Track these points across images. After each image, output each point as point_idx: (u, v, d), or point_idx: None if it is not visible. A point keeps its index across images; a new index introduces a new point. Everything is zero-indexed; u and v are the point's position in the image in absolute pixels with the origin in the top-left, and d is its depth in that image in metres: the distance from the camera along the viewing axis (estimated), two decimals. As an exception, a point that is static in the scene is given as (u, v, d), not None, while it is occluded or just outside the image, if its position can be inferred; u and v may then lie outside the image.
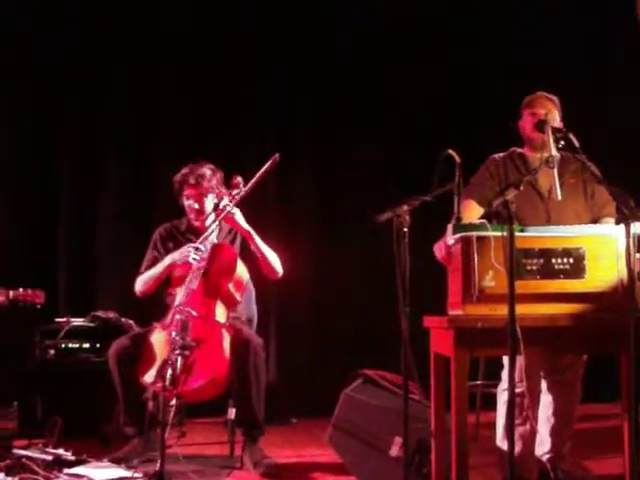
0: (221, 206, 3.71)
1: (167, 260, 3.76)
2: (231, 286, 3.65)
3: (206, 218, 3.83)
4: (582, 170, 3.10)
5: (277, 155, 3.64)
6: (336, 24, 5.75)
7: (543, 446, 3.21)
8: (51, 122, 5.49)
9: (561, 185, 2.94)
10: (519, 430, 3.02)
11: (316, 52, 5.70)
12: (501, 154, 3.35)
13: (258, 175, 3.65)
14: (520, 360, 3.04)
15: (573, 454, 3.34)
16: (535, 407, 3.08)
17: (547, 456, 3.20)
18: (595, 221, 3.23)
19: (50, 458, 3.25)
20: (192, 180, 3.79)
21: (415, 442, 3.03)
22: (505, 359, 3.20)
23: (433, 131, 5.39)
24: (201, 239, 3.68)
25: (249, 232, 3.72)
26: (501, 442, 3.10)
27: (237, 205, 3.73)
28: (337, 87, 5.70)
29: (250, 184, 3.68)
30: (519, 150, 3.36)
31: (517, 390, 3.02)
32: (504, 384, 3.15)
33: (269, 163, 3.64)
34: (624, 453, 2.57)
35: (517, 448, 2.96)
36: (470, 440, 2.52)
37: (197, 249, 3.66)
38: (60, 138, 5.53)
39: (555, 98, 3.27)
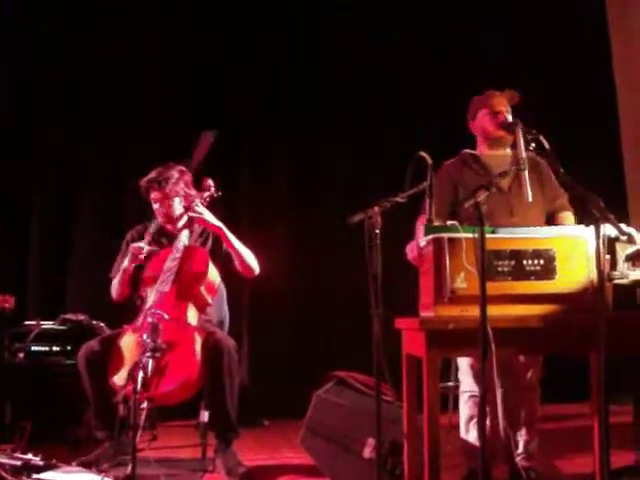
0: (189, 206, 3.69)
1: (120, 270, 3.75)
2: (203, 289, 3.64)
3: (177, 220, 3.81)
4: (536, 164, 3.17)
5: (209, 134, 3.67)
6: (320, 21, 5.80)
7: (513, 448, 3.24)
8: (28, 124, 5.45)
9: (518, 179, 3.02)
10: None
11: (295, 52, 5.72)
12: (452, 160, 3.36)
13: (197, 156, 3.68)
14: (469, 361, 3.14)
15: (543, 453, 3.37)
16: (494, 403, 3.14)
17: (518, 457, 3.22)
18: (551, 212, 3.30)
19: (18, 463, 3.18)
20: (157, 183, 3.76)
21: (388, 443, 3.04)
22: (459, 360, 3.27)
23: (406, 133, 5.42)
24: (144, 240, 3.68)
25: (220, 228, 3.70)
26: (464, 434, 3.22)
27: (208, 206, 3.72)
28: (314, 85, 5.72)
29: (193, 165, 3.70)
30: (469, 151, 3.38)
31: (475, 392, 3.15)
32: (464, 386, 3.25)
33: (202, 142, 3.67)
34: (594, 452, 2.59)
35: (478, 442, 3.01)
36: (442, 441, 2.52)
37: (140, 248, 3.65)
38: (34, 138, 5.49)
39: (505, 93, 3.31)
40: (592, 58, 5.83)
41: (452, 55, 5.76)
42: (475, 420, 3.18)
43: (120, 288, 3.78)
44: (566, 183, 2.83)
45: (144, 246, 3.65)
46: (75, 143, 5.53)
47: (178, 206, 3.80)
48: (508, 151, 3.34)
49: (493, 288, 2.42)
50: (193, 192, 3.77)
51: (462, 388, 3.30)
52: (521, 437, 3.22)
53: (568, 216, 3.33)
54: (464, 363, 3.27)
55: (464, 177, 3.27)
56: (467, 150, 3.40)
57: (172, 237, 3.79)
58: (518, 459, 3.20)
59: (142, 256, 3.65)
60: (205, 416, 3.58)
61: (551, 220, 3.34)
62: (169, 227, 3.84)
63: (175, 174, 3.79)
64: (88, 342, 3.61)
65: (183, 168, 3.85)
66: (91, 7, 5.51)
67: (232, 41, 5.63)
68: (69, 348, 4.38)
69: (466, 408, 3.24)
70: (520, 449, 3.22)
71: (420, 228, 3.10)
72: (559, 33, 5.75)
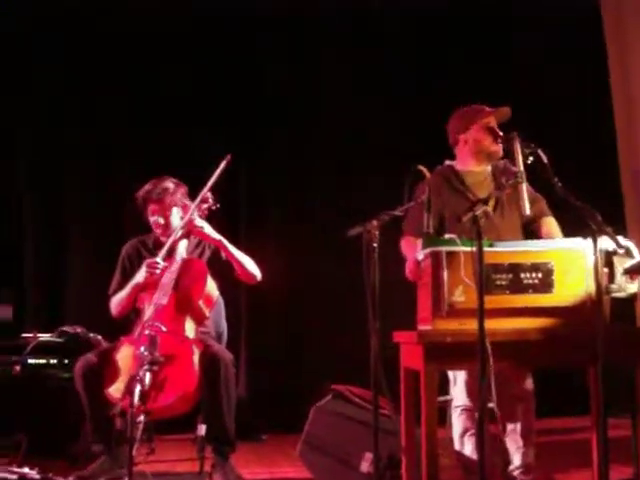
0: (189, 219, 3.68)
1: (131, 284, 3.72)
2: (201, 302, 3.62)
3: (174, 231, 3.80)
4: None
5: (229, 156, 3.68)
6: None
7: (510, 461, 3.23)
8: (13, 124, 5.45)
9: (500, 199, 3.05)
10: (474, 439, 3.11)
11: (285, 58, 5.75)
12: (432, 175, 3.17)
13: (213, 178, 3.69)
14: (464, 376, 3.14)
15: (542, 467, 3.36)
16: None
17: (516, 471, 3.20)
18: (530, 218, 3.25)
19: (15, 477, 3.18)
20: (155, 195, 3.76)
21: (386, 457, 3.03)
22: (450, 374, 3.26)
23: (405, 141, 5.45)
24: (161, 253, 3.66)
25: (220, 241, 3.70)
26: (459, 448, 3.22)
27: (206, 218, 3.73)
28: (309, 88, 5.76)
29: (206, 188, 3.70)
30: (450, 164, 3.39)
31: (468, 405, 3.16)
32: (457, 400, 3.24)
33: (223, 164, 3.68)
34: (593, 466, 2.59)
35: (474, 455, 3.01)
36: (440, 455, 2.52)
37: (156, 263, 3.63)
38: (23, 147, 5.49)
39: (500, 110, 3.31)
40: (589, 71, 5.85)
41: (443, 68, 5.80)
42: (469, 433, 3.17)
43: (125, 303, 3.74)
44: (564, 197, 2.83)
45: (160, 261, 3.63)
46: (71, 149, 5.54)
47: (176, 216, 3.80)
48: (488, 168, 3.35)
49: (491, 301, 2.42)
50: (189, 203, 3.77)
51: (454, 402, 3.29)
52: (518, 449, 3.21)
53: (551, 221, 3.31)
54: (457, 377, 3.27)
55: (448, 200, 3.25)
56: (448, 163, 3.40)
57: (169, 249, 3.78)
58: (516, 473, 3.19)
59: (158, 271, 3.62)
60: (202, 430, 3.56)
61: (533, 226, 3.32)
62: (165, 239, 3.82)
63: (171, 185, 3.80)
64: (86, 355, 3.60)
65: (176, 180, 3.85)
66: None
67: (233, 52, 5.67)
68: (66, 361, 4.35)
69: (459, 421, 3.23)
70: (517, 462, 3.20)
71: (410, 248, 3.10)
72: (556, 47, 5.80)
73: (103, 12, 5.50)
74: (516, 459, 3.20)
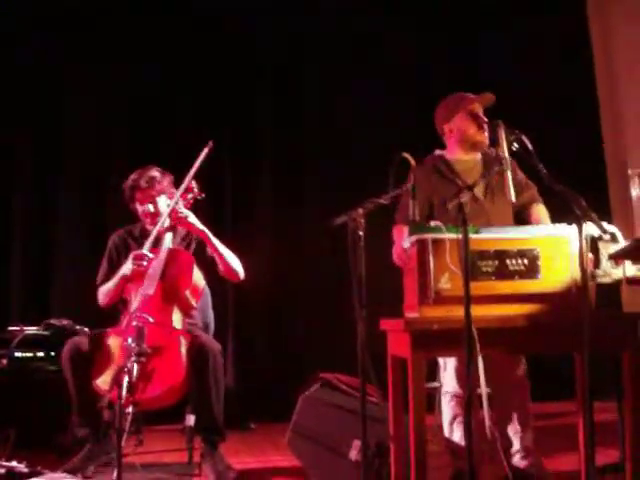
0: (173, 208, 3.66)
1: (118, 275, 3.71)
2: (188, 292, 3.62)
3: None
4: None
5: (211, 143, 3.69)
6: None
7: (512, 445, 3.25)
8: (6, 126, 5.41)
9: (490, 184, 3.04)
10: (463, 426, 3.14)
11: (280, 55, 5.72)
12: (422, 164, 3.29)
13: (195, 166, 3.70)
14: (454, 362, 3.15)
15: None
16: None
17: (516, 455, 3.22)
18: (521, 205, 3.29)
19: (3, 471, 3.16)
20: (144, 184, 3.75)
21: (374, 445, 3.04)
22: (441, 360, 3.28)
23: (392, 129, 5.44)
24: (146, 244, 3.64)
25: (204, 232, 3.69)
26: (448, 434, 3.24)
27: (190, 208, 3.72)
28: (299, 85, 5.75)
29: (189, 175, 3.70)
30: (440, 153, 3.39)
31: (457, 392, 3.19)
32: (447, 387, 3.27)
33: (205, 151, 3.69)
34: (579, 450, 2.61)
35: (463, 441, 3.04)
36: (429, 441, 2.53)
37: (143, 255, 3.61)
38: (15, 143, 5.44)
39: (484, 96, 3.31)
40: (575, 62, 5.87)
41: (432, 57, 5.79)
42: (459, 420, 3.19)
43: (113, 294, 3.73)
44: (548, 183, 2.84)
45: (147, 252, 3.61)
46: (57, 144, 5.50)
47: (164, 204, 3.78)
48: (478, 156, 3.36)
49: (477, 288, 2.43)
50: (176, 192, 3.76)
51: (444, 388, 3.32)
52: (516, 434, 3.23)
53: (541, 208, 3.35)
54: (447, 364, 3.28)
55: (437, 187, 3.27)
56: (438, 152, 3.41)
57: (156, 240, 3.77)
58: (515, 459, 3.21)
59: (145, 263, 3.60)
60: (191, 420, 3.56)
61: (523, 213, 3.35)
62: (152, 227, 3.80)
63: (157, 174, 3.80)
64: (73, 338, 3.57)
65: (160, 169, 3.84)
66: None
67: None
68: (53, 354, 4.34)
69: (449, 408, 3.25)
70: (516, 446, 3.22)
71: (401, 236, 3.10)
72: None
73: (103, 12, 5.47)
74: (515, 443, 3.23)
